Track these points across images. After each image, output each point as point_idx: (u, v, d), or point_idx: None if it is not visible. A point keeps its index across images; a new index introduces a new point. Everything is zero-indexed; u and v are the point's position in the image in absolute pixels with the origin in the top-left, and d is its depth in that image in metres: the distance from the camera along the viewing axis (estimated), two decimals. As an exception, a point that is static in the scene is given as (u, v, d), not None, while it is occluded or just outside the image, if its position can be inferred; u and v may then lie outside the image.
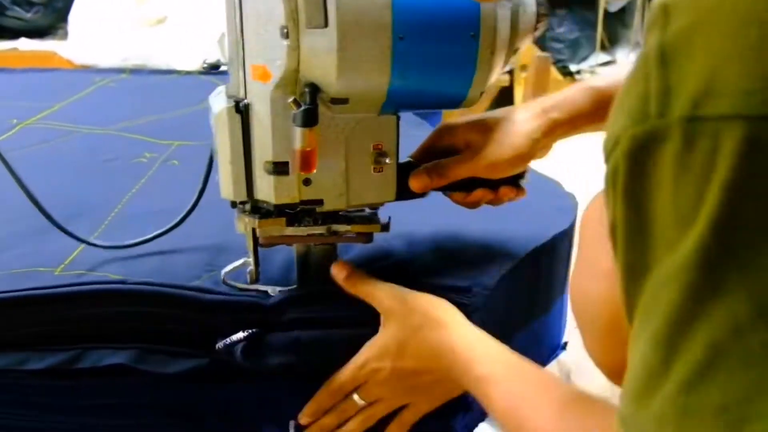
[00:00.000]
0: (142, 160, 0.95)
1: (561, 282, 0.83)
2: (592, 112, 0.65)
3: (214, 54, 0.70)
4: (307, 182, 0.61)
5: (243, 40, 0.58)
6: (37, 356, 0.69)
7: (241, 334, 0.64)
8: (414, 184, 0.66)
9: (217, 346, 0.64)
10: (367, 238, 0.66)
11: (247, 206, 0.63)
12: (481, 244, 0.75)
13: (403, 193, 0.66)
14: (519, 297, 0.74)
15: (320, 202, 0.63)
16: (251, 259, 0.66)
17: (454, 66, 0.58)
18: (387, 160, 0.63)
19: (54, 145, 1.01)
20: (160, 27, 2.07)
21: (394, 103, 0.60)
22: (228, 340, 0.64)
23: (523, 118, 0.66)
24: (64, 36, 2.09)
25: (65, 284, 0.67)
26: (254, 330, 0.64)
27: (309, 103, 0.57)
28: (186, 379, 0.67)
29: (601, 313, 0.49)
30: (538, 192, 0.87)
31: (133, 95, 1.23)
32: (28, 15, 2.12)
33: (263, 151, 0.60)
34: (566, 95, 0.66)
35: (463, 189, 0.68)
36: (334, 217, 0.65)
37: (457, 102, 0.62)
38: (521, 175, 0.69)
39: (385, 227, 0.65)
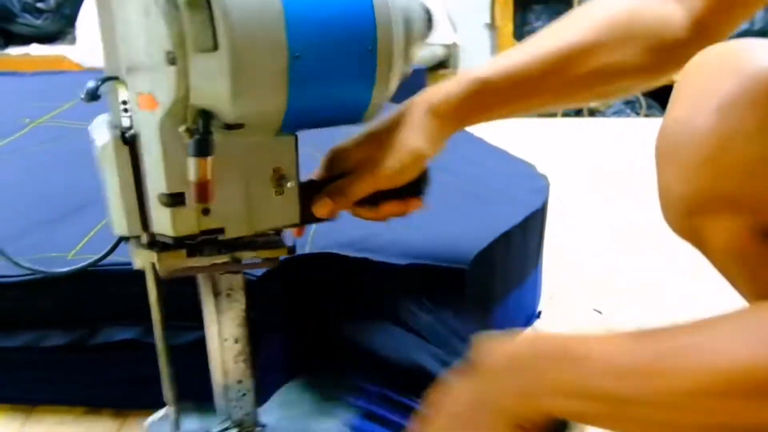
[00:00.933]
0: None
1: (534, 257, 0.84)
2: (478, 104, 0.62)
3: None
4: (206, 212, 0.54)
5: (124, 66, 0.51)
6: (54, 334, 0.70)
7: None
8: (319, 210, 0.60)
9: None
10: (274, 263, 0.60)
11: (143, 239, 0.56)
12: (460, 225, 0.77)
13: (310, 215, 0.60)
14: (495, 272, 0.76)
15: (221, 230, 0.56)
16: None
17: (353, 81, 0.53)
18: (288, 184, 0.57)
19: (63, 141, 1.02)
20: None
21: (292, 124, 0.54)
22: None
23: (416, 119, 0.61)
24: (73, 41, 2.10)
25: (77, 267, 0.69)
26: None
27: (202, 131, 0.49)
28: (193, 349, 0.68)
29: (708, 142, 0.51)
30: (513, 174, 0.90)
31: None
32: (38, 21, 2.12)
33: (156, 183, 0.52)
34: (449, 89, 0.62)
35: (370, 204, 0.62)
36: (236, 244, 0.58)
37: (357, 117, 0.57)
38: (424, 182, 0.63)
39: (291, 250, 0.59)
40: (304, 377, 0.72)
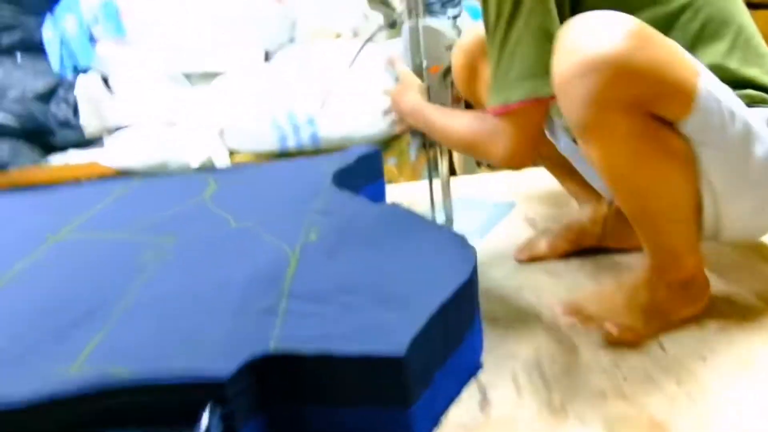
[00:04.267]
0: (144, 258, 0.93)
1: (469, 320, 0.80)
2: None
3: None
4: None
5: (424, 57, 1.08)
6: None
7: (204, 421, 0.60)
8: None
9: None
10: None
11: None
12: (396, 305, 0.72)
13: None
14: (434, 346, 0.71)
15: None
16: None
17: None
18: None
19: (77, 253, 0.98)
20: (173, 129, 2.05)
21: None
22: (200, 429, 0.60)
23: None
24: (102, 144, 2.07)
25: (75, 386, 0.64)
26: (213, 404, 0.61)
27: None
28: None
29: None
30: (443, 247, 0.85)
31: (142, 199, 1.21)
32: (74, 134, 2.09)
33: (438, 102, 1.09)
34: None
35: None
36: None
37: None
38: None
39: None
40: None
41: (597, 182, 1.08)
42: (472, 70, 1.08)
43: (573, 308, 0.87)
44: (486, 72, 1.01)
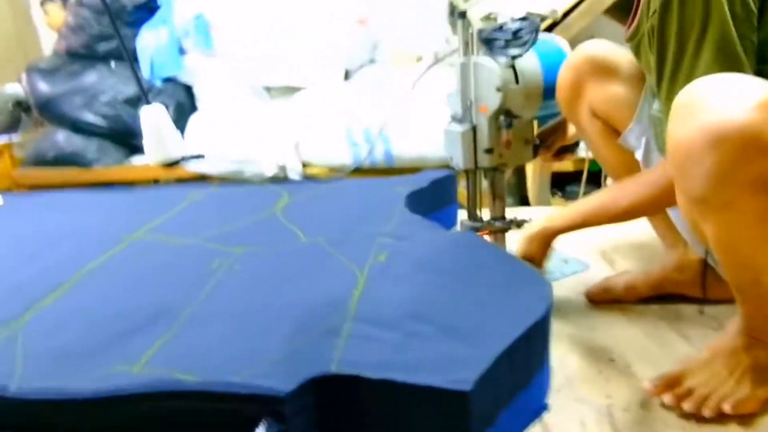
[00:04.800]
0: (213, 266, 0.93)
1: (539, 359, 0.76)
2: None
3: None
4: (500, 156, 1.07)
5: (474, 95, 1.05)
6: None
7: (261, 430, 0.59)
8: (539, 155, 1.16)
9: None
10: None
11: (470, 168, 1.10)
12: (464, 338, 0.69)
13: (536, 155, 1.14)
14: (501, 383, 0.67)
15: (505, 164, 1.09)
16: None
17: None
18: (530, 144, 1.11)
19: (149, 255, 0.99)
20: (251, 140, 2.08)
21: (537, 119, 1.13)
22: None
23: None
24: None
25: (137, 385, 0.64)
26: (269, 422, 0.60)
27: (507, 119, 1.03)
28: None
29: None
30: (517, 281, 0.81)
31: (216, 206, 1.22)
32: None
33: (482, 143, 1.06)
34: None
35: (557, 154, 1.22)
36: None
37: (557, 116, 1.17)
38: (576, 145, 1.22)
39: None
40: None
41: (687, 233, 1.02)
42: (577, 90, 1.02)
43: (667, 383, 0.80)
44: (592, 93, 1.00)
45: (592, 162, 2.11)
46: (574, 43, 1.07)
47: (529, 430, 0.76)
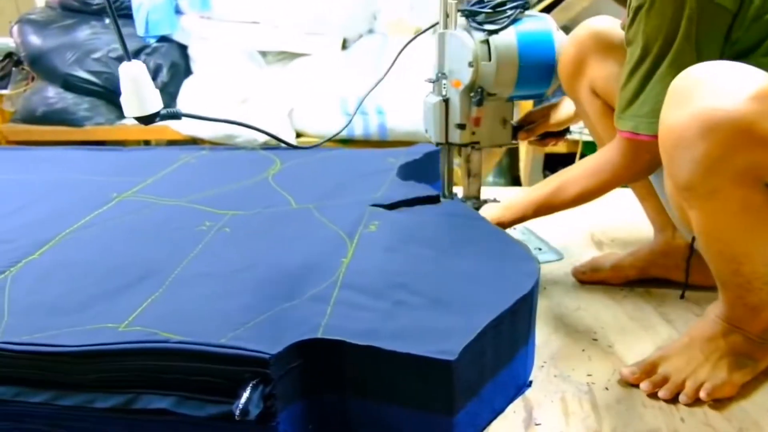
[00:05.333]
0: (202, 228, 0.93)
1: (524, 335, 0.76)
2: None
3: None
4: (473, 133, 1.06)
5: (447, 68, 1.03)
6: (101, 397, 0.66)
7: (246, 393, 0.59)
8: (520, 137, 1.12)
9: (235, 416, 0.59)
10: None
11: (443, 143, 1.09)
12: (451, 309, 0.70)
13: (515, 139, 1.11)
14: (485, 356, 0.68)
15: (478, 142, 1.07)
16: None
17: (544, 79, 1.03)
18: (508, 124, 1.08)
19: (139, 215, 0.99)
20: (244, 105, 2.06)
21: (514, 98, 1.06)
22: (239, 405, 0.59)
23: (566, 104, 1.12)
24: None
25: (124, 341, 0.65)
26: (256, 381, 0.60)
27: (479, 96, 1.01)
28: (216, 420, 0.63)
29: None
30: (506, 256, 0.82)
31: (207, 169, 1.21)
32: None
33: (454, 118, 1.05)
34: None
35: (541, 138, 1.16)
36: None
37: (542, 95, 1.07)
38: (567, 130, 1.18)
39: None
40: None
41: (676, 218, 1.02)
42: (579, 65, 0.99)
43: (644, 370, 0.81)
44: (594, 71, 0.98)
45: (586, 144, 2.12)
46: (573, 25, 1.05)
47: (512, 406, 0.77)
